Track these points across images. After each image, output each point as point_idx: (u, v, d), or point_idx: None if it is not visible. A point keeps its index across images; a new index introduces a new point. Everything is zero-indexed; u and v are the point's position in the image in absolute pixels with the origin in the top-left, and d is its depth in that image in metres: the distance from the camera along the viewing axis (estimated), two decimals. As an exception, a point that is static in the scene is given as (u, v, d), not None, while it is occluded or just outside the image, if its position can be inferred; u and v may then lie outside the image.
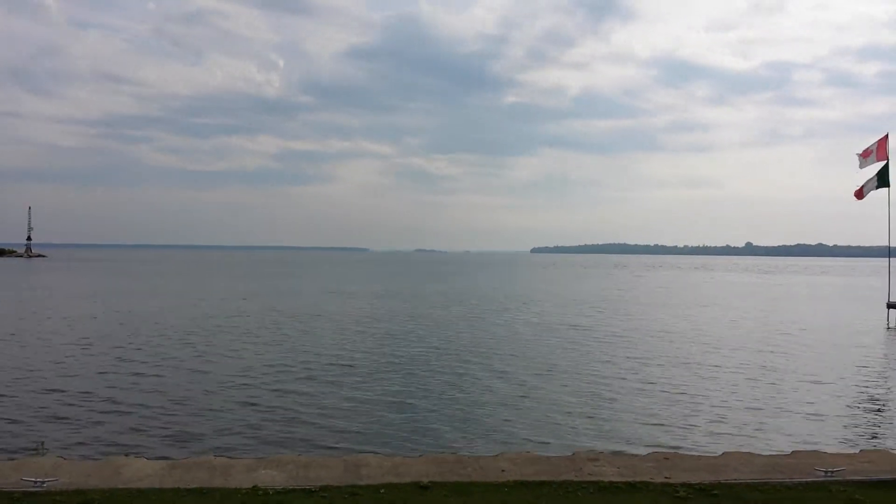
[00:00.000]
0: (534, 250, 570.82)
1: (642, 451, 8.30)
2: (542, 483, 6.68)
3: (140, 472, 6.96)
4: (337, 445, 10.95)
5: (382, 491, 6.38)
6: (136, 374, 17.50)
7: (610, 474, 6.95)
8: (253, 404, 14.12)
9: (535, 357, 20.89)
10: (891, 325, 31.56)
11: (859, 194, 34.16)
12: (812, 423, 12.98)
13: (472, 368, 18.70)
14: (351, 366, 18.96)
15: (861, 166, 34.27)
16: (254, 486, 6.47)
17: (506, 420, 12.96)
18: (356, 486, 6.54)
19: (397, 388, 15.90)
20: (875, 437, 11.87)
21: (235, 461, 7.51)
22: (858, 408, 14.56)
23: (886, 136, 33.67)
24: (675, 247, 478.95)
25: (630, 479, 6.75)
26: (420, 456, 8.07)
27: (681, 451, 8.49)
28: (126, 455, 8.14)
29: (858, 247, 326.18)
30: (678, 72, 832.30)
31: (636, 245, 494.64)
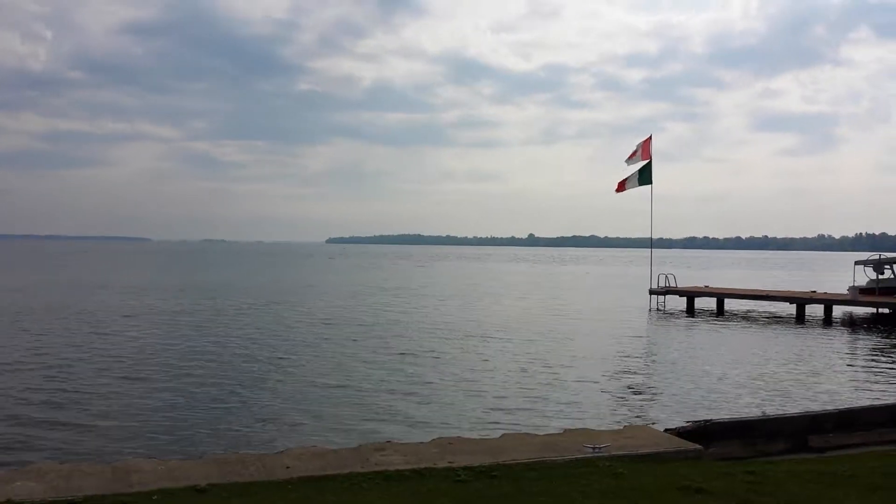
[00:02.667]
0: (329, 241, 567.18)
1: (428, 438, 8.44)
2: (327, 477, 6.57)
3: None
4: (105, 453, 10.10)
5: (155, 497, 5.95)
6: None
7: (396, 463, 6.98)
8: None
9: (319, 350, 20.58)
10: (652, 310, 34.81)
11: (621, 188, 37.37)
12: (584, 403, 13.95)
13: (251, 365, 17.98)
14: (116, 367, 17.49)
15: (628, 163, 37.52)
16: (7, 500, 5.79)
17: (292, 417, 12.66)
18: (125, 493, 6.04)
19: (170, 389, 14.93)
20: (636, 414, 12.98)
21: (-16, 475, 6.69)
22: (624, 387, 15.86)
23: (650, 137, 37.11)
24: (466, 238, 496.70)
25: (415, 466, 6.82)
26: (200, 458, 7.65)
27: (464, 436, 8.73)
28: None
29: (626, 238, 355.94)
30: (466, 70, 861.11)
31: (430, 236, 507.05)
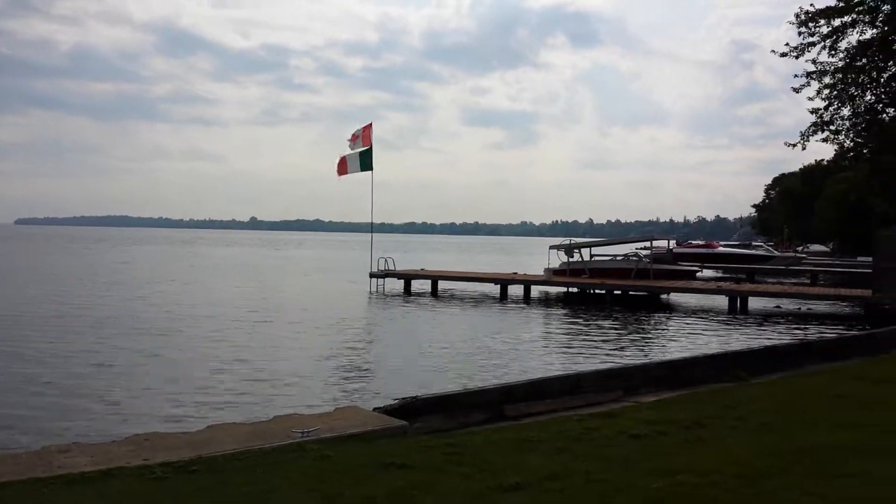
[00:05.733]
0: (19, 221, 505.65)
1: (123, 436, 7.76)
2: (1, 485, 5.77)
3: None
4: None
5: None
6: None
7: (83, 465, 6.32)
8: None
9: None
10: (372, 293, 35.64)
11: (342, 171, 37.83)
12: (298, 388, 13.78)
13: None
14: None
15: (351, 149, 37.94)
16: None
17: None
18: None
19: None
20: (349, 396, 13.09)
21: None
22: (339, 370, 15.94)
23: (370, 124, 37.89)
24: (182, 220, 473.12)
25: (104, 467, 6.22)
26: None
27: (164, 431, 8.18)
28: None
29: (350, 222, 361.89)
30: (179, 41, 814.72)
31: (140, 218, 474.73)
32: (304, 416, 8.35)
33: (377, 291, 35.99)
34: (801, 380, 11.10)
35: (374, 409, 8.47)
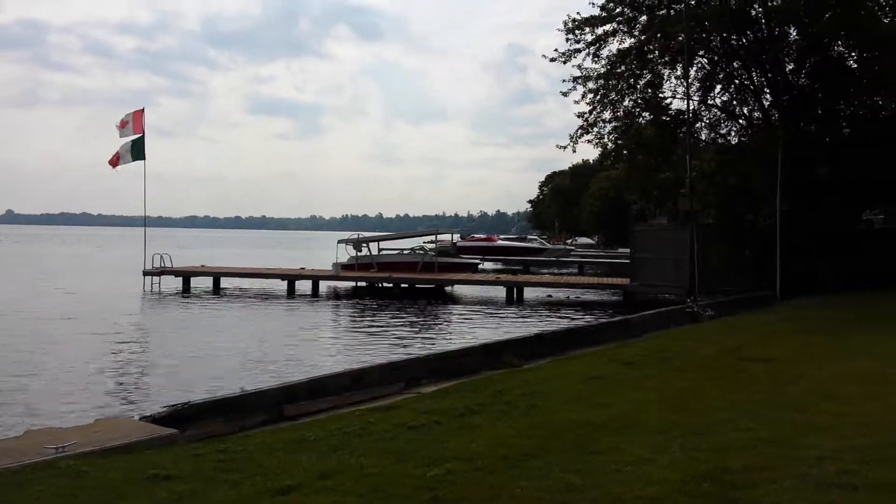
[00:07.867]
0: None
1: None
2: None
3: None
4: None
5: None
6: None
7: None
8: None
9: None
10: (146, 292, 33.47)
11: (115, 162, 35.13)
12: (54, 400, 12.48)
13: None
14: None
15: (121, 136, 35.21)
16: None
17: None
18: None
19: None
20: (114, 406, 12.12)
21: None
22: (103, 377, 14.70)
23: (143, 109, 35.40)
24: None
25: None
26: None
27: None
28: None
29: (122, 216, 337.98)
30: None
31: None
32: (60, 429, 7.67)
33: (152, 291, 33.85)
34: (565, 363, 11.94)
35: (141, 419, 7.99)
